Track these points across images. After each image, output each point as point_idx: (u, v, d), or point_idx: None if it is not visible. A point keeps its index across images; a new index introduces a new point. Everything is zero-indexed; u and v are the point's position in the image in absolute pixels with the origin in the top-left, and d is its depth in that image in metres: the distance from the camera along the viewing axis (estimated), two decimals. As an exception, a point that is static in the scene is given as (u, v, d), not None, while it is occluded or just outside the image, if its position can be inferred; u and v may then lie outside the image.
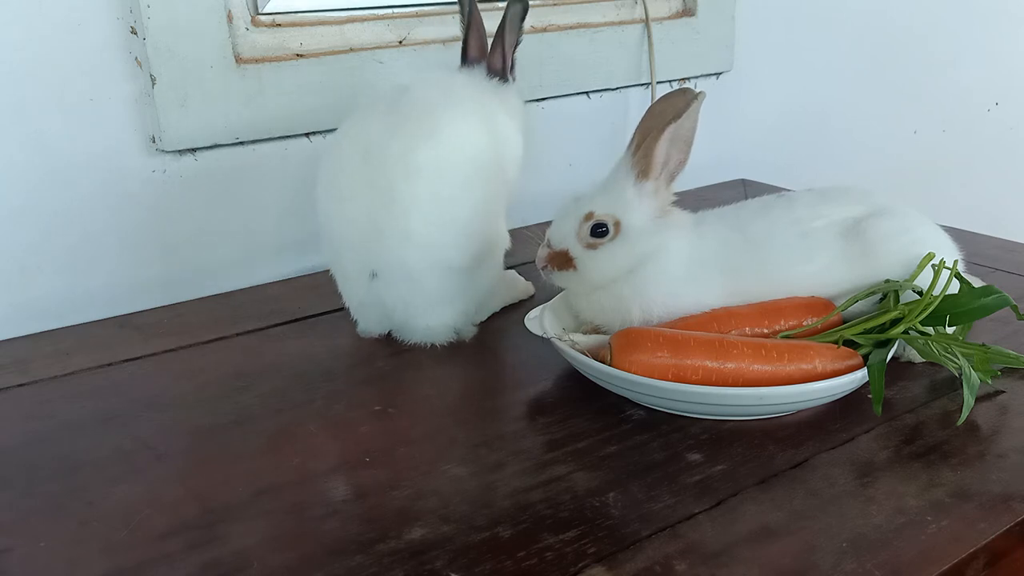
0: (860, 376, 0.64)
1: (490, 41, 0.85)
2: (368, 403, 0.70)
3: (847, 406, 0.66)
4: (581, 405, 0.68)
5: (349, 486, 0.59)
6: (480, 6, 0.85)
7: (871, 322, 0.68)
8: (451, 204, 0.74)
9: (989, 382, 0.68)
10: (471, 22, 0.84)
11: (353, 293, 0.80)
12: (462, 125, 0.76)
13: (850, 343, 0.68)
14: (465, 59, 0.85)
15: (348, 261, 0.77)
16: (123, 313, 0.88)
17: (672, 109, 0.67)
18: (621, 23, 1.21)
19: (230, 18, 0.91)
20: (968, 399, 0.63)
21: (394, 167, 0.73)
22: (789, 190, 0.83)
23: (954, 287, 0.68)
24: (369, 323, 0.81)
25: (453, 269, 0.76)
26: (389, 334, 0.81)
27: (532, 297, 0.90)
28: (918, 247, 0.70)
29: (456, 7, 0.87)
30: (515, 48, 0.85)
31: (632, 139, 0.71)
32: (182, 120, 0.89)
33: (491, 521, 0.54)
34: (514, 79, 0.86)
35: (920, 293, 0.68)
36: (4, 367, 0.77)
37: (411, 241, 0.73)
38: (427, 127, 0.74)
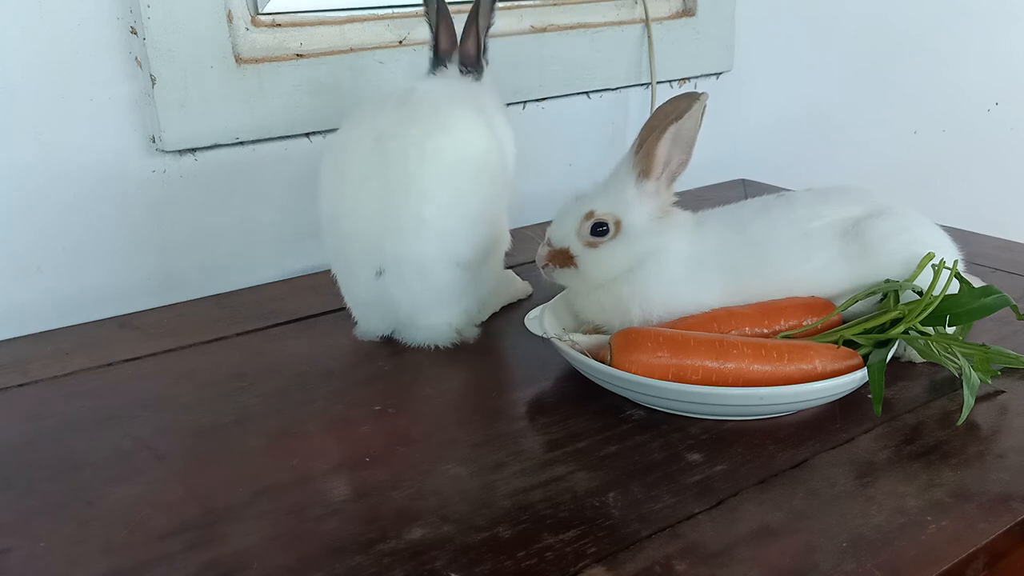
0: (860, 376, 0.64)
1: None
2: (368, 403, 0.70)
3: (847, 406, 0.66)
4: (581, 405, 0.68)
5: (349, 486, 0.59)
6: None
7: (871, 322, 0.68)
8: (463, 195, 0.75)
9: (989, 382, 0.68)
10: (440, 15, 0.84)
11: (356, 291, 0.79)
12: (470, 123, 0.77)
13: (850, 343, 0.68)
14: (436, 53, 0.85)
15: (354, 257, 0.77)
16: (123, 313, 0.88)
17: (676, 110, 0.67)
18: (621, 23, 1.21)
19: (230, 18, 0.91)
20: (968, 399, 0.63)
21: (410, 154, 0.73)
22: (789, 190, 0.83)
23: (954, 287, 0.68)
24: (371, 323, 0.80)
25: (460, 264, 0.76)
26: (390, 336, 0.81)
27: (530, 297, 0.90)
28: (917, 247, 0.70)
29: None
30: (487, 32, 0.85)
31: (636, 139, 0.71)
32: (182, 120, 0.89)
33: (491, 521, 0.54)
34: (487, 63, 0.86)
35: (920, 293, 0.68)
36: (4, 367, 0.77)
37: (424, 230, 0.74)
38: (440, 120, 0.75)
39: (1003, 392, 0.69)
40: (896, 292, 0.69)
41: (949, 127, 1.67)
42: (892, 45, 1.55)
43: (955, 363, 0.66)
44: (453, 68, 0.84)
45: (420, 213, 0.73)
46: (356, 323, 0.82)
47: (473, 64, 0.84)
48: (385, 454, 0.62)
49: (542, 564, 0.51)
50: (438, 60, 0.85)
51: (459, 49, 0.84)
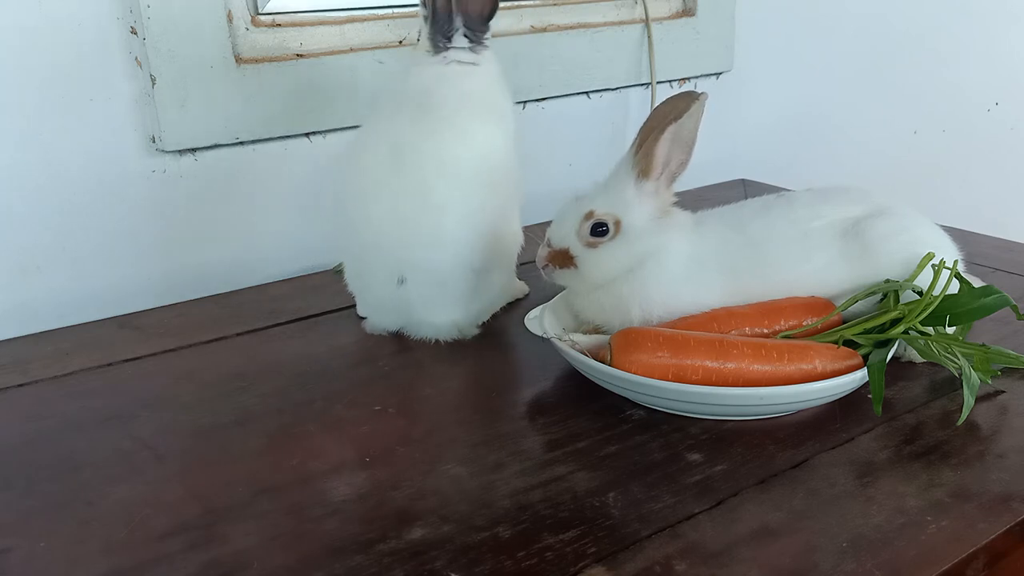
0: (860, 376, 0.64)
1: None
2: (368, 403, 0.70)
3: (847, 406, 0.66)
4: (581, 405, 0.68)
5: (349, 486, 0.59)
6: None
7: (871, 322, 0.68)
8: (480, 204, 0.75)
9: (989, 382, 0.67)
10: None
11: (375, 294, 0.80)
12: (486, 128, 0.77)
13: (850, 343, 0.68)
14: (434, 15, 0.77)
15: (374, 262, 0.77)
16: (123, 313, 0.88)
17: (674, 110, 0.67)
18: (621, 23, 1.21)
19: (230, 18, 0.91)
20: (968, 399, 0.63)
21: (428, 167, 0.73)
22: (789, 190, 0.83)
23: (954, 287, 0.68)
24: (382, 321, 0.81)
25: (475, 269, 0.77)
26: (392, 332, 0.81)
27: (527, 296, 0.90)
28: (917, 247, 0.70)
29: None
30: None
31: (635, 139, 0.71)
32: (182, 120, 0.89)
33: (491, 521, 0.54)
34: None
35: (920, 293, 0.68)
36: (4, 367, 0.77)
37: (443, 239, 0.74)
38: (458, 129, 0.75)
39: (1003, 392, 0.69)
40: (896, 292, 0.69)
41: (949, 127, 1.67)
42: (892, 45, 1.55)
43: (955, 363, 0.65)
44: (459, 37, 0.76)
45: (439, 224, 0.74)
46: (365, 318, 0.82)
47: (483, 24, 0.77)
48: (385, 454, 0.62)
49: (542, 564, 0.51)
50: (437, 25, 0.77)
51: (461, 8, 0.76)
